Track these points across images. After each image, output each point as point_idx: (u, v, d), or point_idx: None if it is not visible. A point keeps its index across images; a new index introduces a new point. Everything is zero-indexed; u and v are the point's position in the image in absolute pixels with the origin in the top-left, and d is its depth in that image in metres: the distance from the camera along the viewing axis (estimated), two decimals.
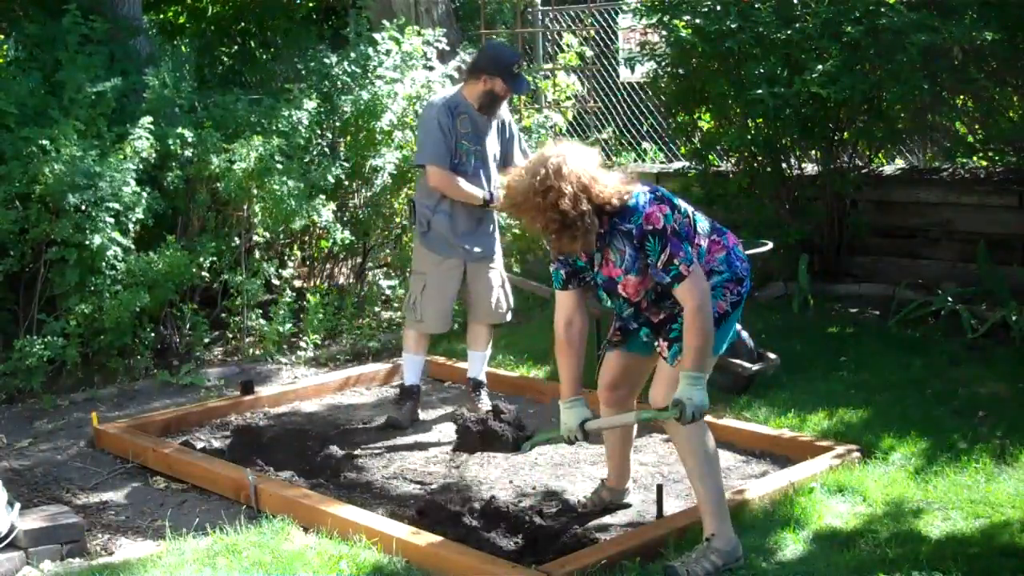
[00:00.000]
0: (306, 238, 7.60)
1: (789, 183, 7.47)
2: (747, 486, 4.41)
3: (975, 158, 7.28)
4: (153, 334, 6.43)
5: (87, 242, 5.92)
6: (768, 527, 4.03)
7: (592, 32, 9.39)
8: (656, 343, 3.90)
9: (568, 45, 8.84)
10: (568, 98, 8.68)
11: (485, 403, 5.57)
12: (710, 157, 7.72)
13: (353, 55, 7.45)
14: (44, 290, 6.15)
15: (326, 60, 7.47)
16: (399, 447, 5.24)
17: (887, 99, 6.71)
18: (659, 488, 4.24)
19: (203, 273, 6.64)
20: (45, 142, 5.98)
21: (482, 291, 5.55)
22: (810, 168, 7.59)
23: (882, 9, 6.39)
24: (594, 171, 3.68)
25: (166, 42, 8.46)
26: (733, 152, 7.54)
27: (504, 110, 5.56)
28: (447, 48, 7.99)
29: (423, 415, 5.68)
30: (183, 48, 7.45)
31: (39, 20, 7.05)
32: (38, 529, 4.01)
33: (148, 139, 6.27)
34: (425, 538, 3.94)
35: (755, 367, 5.51)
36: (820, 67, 6.36)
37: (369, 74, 7.38)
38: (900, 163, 8.04)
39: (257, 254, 7.06)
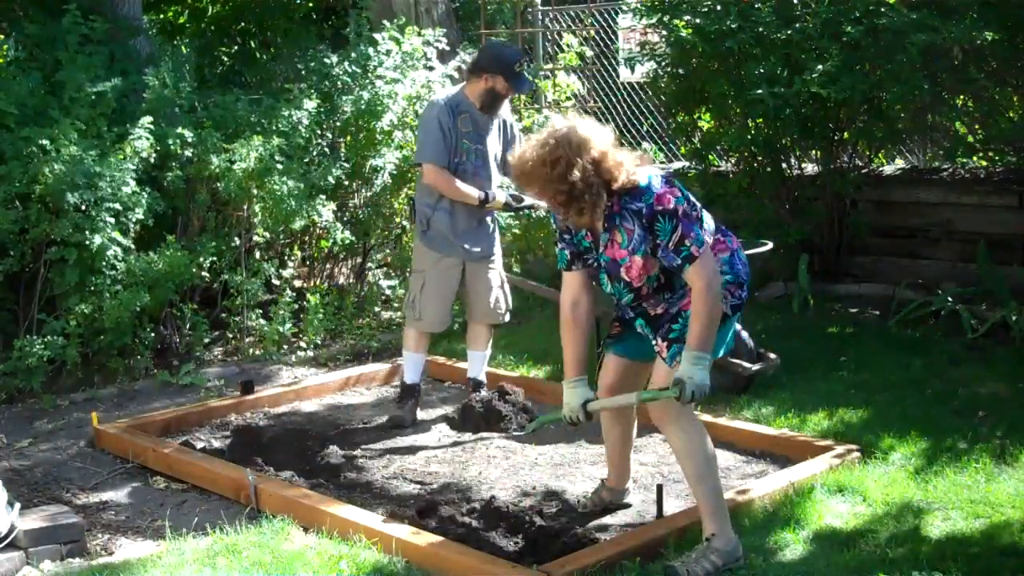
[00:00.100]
0: (306, 238, 7.60)
1: (789, 183, 7.47)
2: (747, 486, 4.41)
3: (975, 158, 7.29)
4: (153, 334, 6.43)
5: (87, 242, 5.92)
6: (768, 527, 4.03)
7: (592, 32, 9.39)
8: (655, 342, 3.88)
9: (568, 45, 8.84)
10: (568, 98, 8.68)
11: None
12: (710, 157, 7.72)
13: (353, 55, 7.45)
14: (44, 290, 6.15)
15: (326, 60, 7.47)
16: (399, 447, 5.24)
17: (887, 99, 6.71)
18: (659, 488, 4.24)
19: (203, 273, 6.64)
20: (45, 142, 5.98)
21: (481, 291, 5.55)
22: (810, 168, 7.59)
23: (882, 9, 6.40)
24: (605, 146, 3.66)
25: (166, 42, 8.46)
26: (733, 152, 7.55)
27: (506, 110, 5.56)
28: (447, 48, 7.99)
29: (423, 415, 5.68)
30: (183, 48, 7.45)
31: (39, 20, 7.05)
32: (38, 529, 4.01)
33: (148, 139, 6.27)
34: (425, 538, 3.94)
35: (755, 367, 5.51)
36: (820, 67, 6.36)
37: (369, 74, 7.39)
38: (900, 163, 8.05)
39: (257, 254, 7.07)
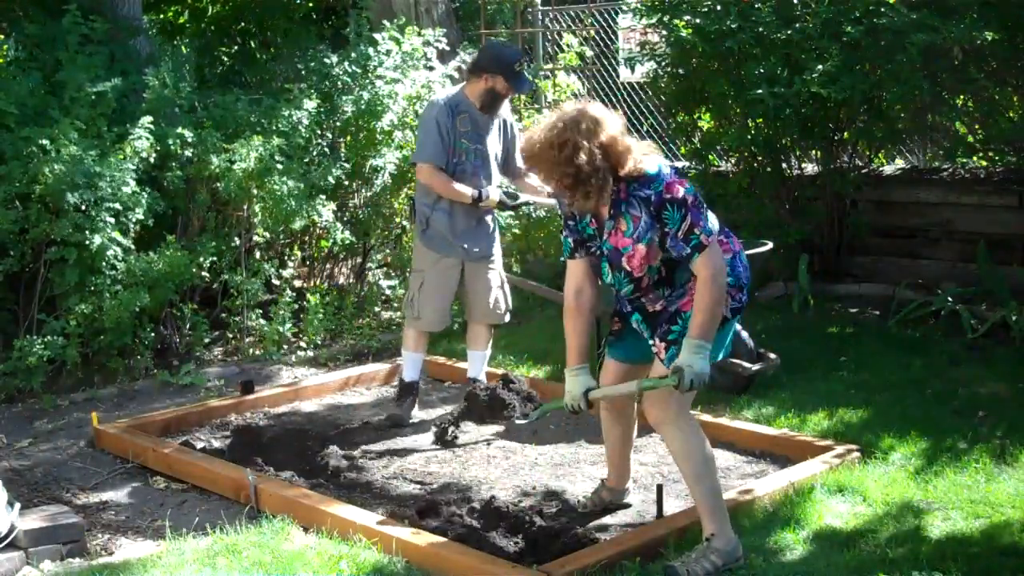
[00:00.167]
0: (306, 238, 7.60)
1: (789, 183, 7.47)
2: (747, 486, 4.41)
3: (975, 158, 7.29)
4: (153, 334, 6.43)
5: (87, 242, 5.92)
6: (768, 527, 4.03)
7: (592, 32, 9.39)
8: (652, 342, 3.87)
9: (568, 45, 8.84)
10: (568, 98, 8.68)
11: None
12: (710, 157, 7.72)
13: (353, 55, 7.45)
14: (44, 290, 6.15)
15: (326, 60, 7.47)
16: (399, 447, 5.24)
17: (887, 99, 6.71)
18: (659, 488, 4.24)
19: (203, 273, 6.64)
20: (45, 142, 5.98)
21: (480, 291, 5.55)
22: (810, 168, 7.59)
23: (882, 9, 6.40)
24: (614, 131, 3.66)
25: (166, 42, 8.46)
26: (733, 152, 7.55)
27: (506, 111, 5.56)
28: (447, 48, 8.00)
29: (423, 415, 5.68)
30: (183, 48, 7.45)
31: (39, 20, 7.05)
32: (38, 529, 4.01)
33: (148, 139, 6.27)
34: (425, 538, 3.94)
35: (755, 367, 5.51)
36: (820, 67, 6.36)
37: (369, 74, 7.38)
38: (900, 163, 8.04)
39: (257, 254, 7.06)
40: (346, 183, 7.47)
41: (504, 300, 5.63)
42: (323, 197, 6.95)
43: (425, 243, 5.49)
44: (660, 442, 5.04)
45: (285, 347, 6.81)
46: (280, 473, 4.71)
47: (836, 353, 6.18)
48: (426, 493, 4.63)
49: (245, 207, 6.75)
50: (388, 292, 7.61)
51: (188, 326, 6.66)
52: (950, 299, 6.60)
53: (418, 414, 5.70)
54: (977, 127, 7.10)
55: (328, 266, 8.01)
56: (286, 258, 7.32)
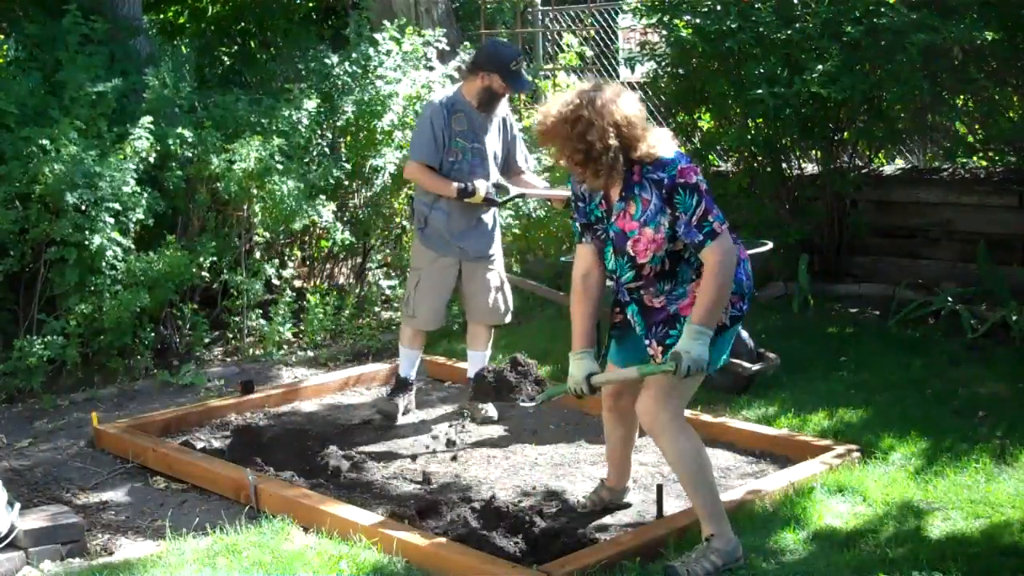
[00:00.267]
0: (306, 238, 7.60)
1: (789, 183, 7.47)
2: (747, 486, 4.41)
3: (975, 158, 7.29)
4: (153, 334, 6.43)
5: (87, 242, 5.92)
6: (768, 527, 4.02)
7: (592, 32, 9.40)
8: (648, 343, 3.85)
9: (568, 45, 8.85)
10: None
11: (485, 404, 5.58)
12: (710, 157, 7.72)
13: (354, 55, 7.45)
14: (44, 290, 6.15)
15: (327, 60, 7.47)
16: (399, 447, 5.24)
17: (887, 99, 6.71)
18: (659, 488, 4.24)
19: (203, 273, 6.64)
20: (45, 142, 5.98)
21: (477, 291, 5.55)
22: (810, 168, 7.59)
23: (882, 9, 6.40)
24: (629, 112, 3.64)
25: (166, 42, 8.46)
26: (733, 152, 7.55)
27: (506, 110, 5.55)
28: (447, 48, 8.00)
29: (423, 415, 5.69)
30: (183, 48, 7.45)
31: (39, 20, 7.05)
32: (38, 529, 4.00)
33: (148, 139, 6.27)
34: (425, 538, 3.94)
35: (755, 367, 5.51)
36: (820, 67, 6.36)
37: (370, 74, 7.38)
38: (900, 163, 8.05)
39: (257, 254, 7.06)
40: (346, 183, 7.47)
41: (504, 301, 5.62)
42: (323, 197, 6.96)
43: (423, 242, 5.49)
44: None
45: (285, 347, 6.81)
46: (280, 473, 4.71)
47: (836, 353, 6.18)
48: (426, 493, 4.63)
49: (245, 207, 6.75)
50: (388, 292, 7.61)
51: (188, 326, 6.66)
52: (950, 299, 6.60)
53: (418, 414, 5.70)
54: (977, 127, 7.11)
55: (328, 266, 8.01)
56: (286, 258, 7.32)
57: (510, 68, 5.29)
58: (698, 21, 6.79)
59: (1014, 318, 6.19)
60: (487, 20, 9.78)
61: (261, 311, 6.87)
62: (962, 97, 6.94)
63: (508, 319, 5.71)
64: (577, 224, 3.94)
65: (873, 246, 7.49)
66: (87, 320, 6.07)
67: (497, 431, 5.42)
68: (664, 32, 7.19)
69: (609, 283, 4.01)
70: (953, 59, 6.53)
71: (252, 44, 9.92)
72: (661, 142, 3.70)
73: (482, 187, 5.32)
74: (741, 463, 4.87)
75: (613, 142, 3.60)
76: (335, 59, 7.46)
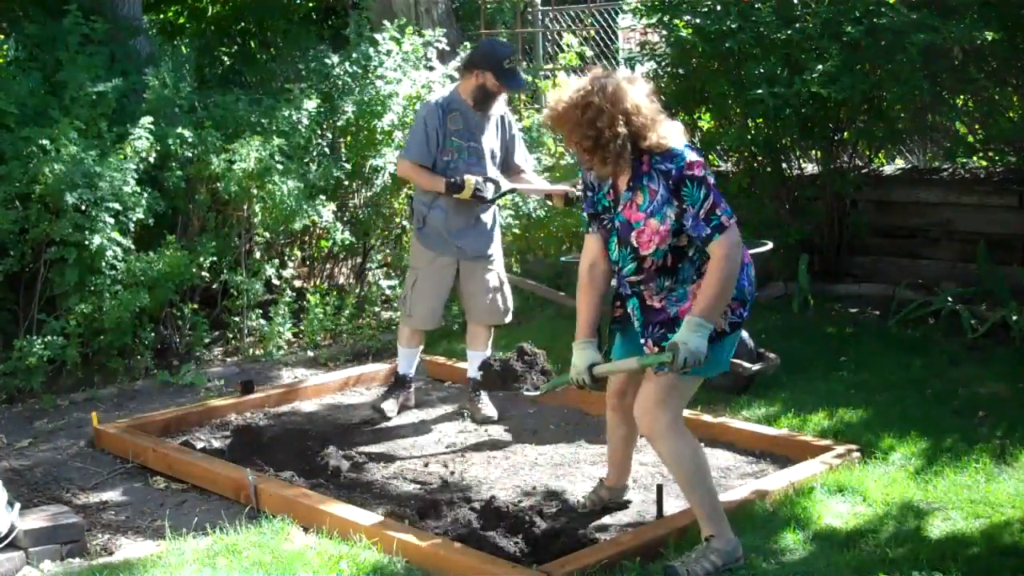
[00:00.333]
0: (306, 238, 7.60)
1: (789, 183, 7.47)
2: (747, 486, 4.41)
3: (975, 158, 7.29)
4: (153, 334, 6.43)
5: (87, 242, 5.92)
6: (768, 527, 4.02)
7: (592, 32, 9.40)
8: (644, 342, 3.84)
9: (568, 45, 8.85)
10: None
11: (485, 404, 5.58)
12: (710, 157, 7.72)
13: (354, 55, 7.45)
14: (44, 290, 6.15)
15: (327, 60, 7.47)
16: (399, 447, 5.24)
17: (887, 99, 6.71)
18: (659, 488, 4.24)
19: (203, 273, 6.64)
20: (45, 142, 5.98)
21: (475, 291, 5.54)
22: (810, 168, 7.59)
23: (882, 9, 6.40)
24: (641, 101, 3.64)
25: (166, 42, 8.46)
26: (733, 152, 7.55)
27: (504, 109, 5.53)
28: (447, 48, 8.00)
29: (423, 415, 5.69)
30: (183, 48, 7.45)
31: (39, 20, 7.05)
32: (38, 529, 4.00)
33: (148, 139, 6.27)
34: (425, 538, 3.94)
35: (755, 367, 5.51)
36: (820, 67, 6.36)
37: (370, 74, 7.38)
38: (900, 163, 8.05)
39: (257, 254, 7.06)
40: (346, 183, 7.47)
41: (503, 301, 5.61)
42: (323, 197, 6.96)
43: (421, 241, 5.49)
44: None
45: (285, 347, 6.81)
46: (280, 473, 4.71)
47: (836, 353, 6.18)
48: (426, 493, 4.63)
49: (245, 207, 6.75)
50: (388, 292, 7.61)
51: (188, 326, 6.65)
52: (950, 299, 6.60)
53: (418, 414, 5.71)
54: (977, 127, 7.11)
55: (328, 266, 8.01)
56: (286, 258, 7.32)
57: (503, 66, 5.26)
58: (698, 21, 6.79)
59: (1014, 318, 6.19)
60: (487, 20, 9.79)
61: (261, 311, 6.87)
62: (962, 97, 6.95)
63: (508, 319, 5.70)
64: (585, 214, 3.93)
65: (873, 246, 7.49)
66: (87, 320, 6.07)
67: (497, 431, 5.42)
68: (664, 32, 7.20)
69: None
70: (953, 59, 6.53)
71: (252, 44, 9.92)
72: (672, 134, 3.69)
73: (471, 181, 5.28)
74: (741, 463, 4.87)
75: (622, 130, 3.59)
76: (335, 59, 7.46)
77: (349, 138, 7.52)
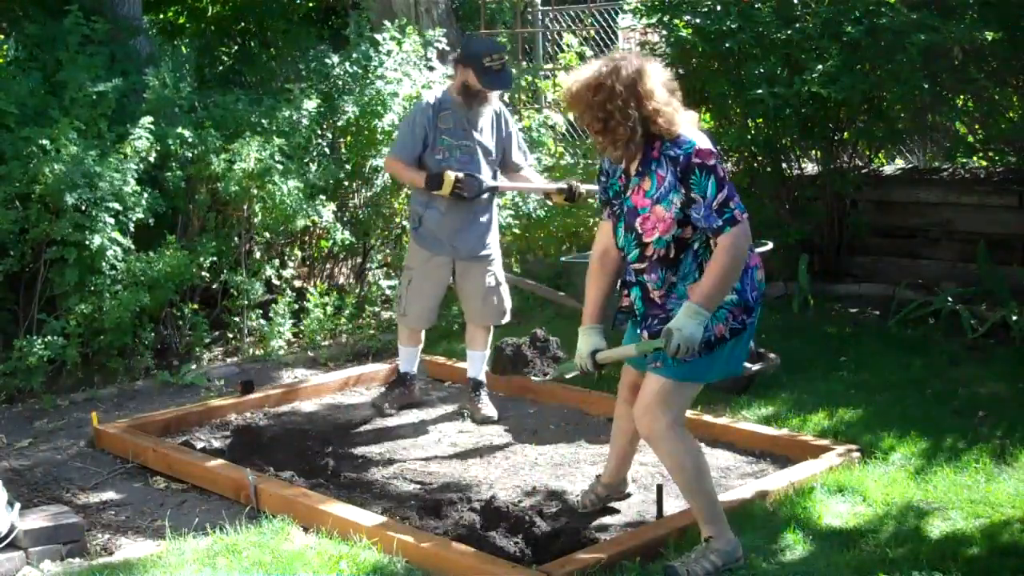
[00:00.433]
0: (306, 238, 7.60)
1: (789, 183, 7.47)
2: (747, 486, 4.41)
3: (975, 158, 7.29)
4: (153, 334, 6.43)
5: (87, 242, 5.92)
6: (768, 527, 4.02)
7: (592, 32, 9.40)
8: (640, 332, 3.82)
9: (568, 45, 8.85)
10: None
11: (485, 404, 5.58)
12: None
13: (354, 55, 7.45)
14: (44, 290, 6.15)
15: (327, 60, 7.47)
16: (399, 447, 5.24)
17: (887, 99, 6.71)
18: (659, 488, 4.24)
19: (203, 273, 6.64)
20: (45, 142, 5.98)
21: (470, 292, 5.54)
22: (810, 168, 7.59)
23: (882, 9, 6.40)
24: (654, 86, 3.61)
25: (166, 42, 8.46)
26: (733, 152, 7.55)
27: (499, 106, 5.47)
28: (447, 48, 7.99)
29: (423, 415, 5.69)
30: (183, 48, 7.45)
31: (39, 20, 7.05)
32: (38, 529, 4.00)
33: (148, 139, 6.27)
34: (425, 538, 3.94)
35: (755, 367, 5.51)
36: (820, 67, 6.36)
37: (370, 74, 7.38)
38: (900, 163, 8.05)
39: (257, 254, 7.06)
40: (346, 183, 7.47)
41: (499, 302, 5.57)
42: (323, 197, 6.96)
43: (417, 241, 5.50)
44: None
45: (285, 347, 6.81)
46: (280, 473, 4.71)
47: (836, 353, 6.18)
48: (426, 493, 4.63)
49: (245, 207, 6.75)
50: (388, 292, 7.61)
51: (188, 326, 6.65)
52: (950, 299, 6.60)
53: (418, 414, 5.71)
54: (977, 127, 7.11)
55: (328, 266, 8.01)
56: (286, 258, 7.32)
57: (483, 63, 5.19)
58: (698, 21, 6.79)
59: (1014, 318, 6.19)
60: (487, 20, 9.79)
61: (261, 311, 6.87)
62: (962, 97, 6.94)
63: (505, 320, 5.67)
64: (600, 199, 3.92)
65: (873, 246, 7.49)
66: (87, 320, 6.07)
67: (497, 431, 5.42)
68: (664, 32, 7.20)
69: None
70: (953, 59, 6.53)
71: (252, 44, 9.92)
72: (684, 122, 3.66)
73: (450, 177, 5.21)
74: (741, 463, 4.87)
75: (633, 112, 3.57)
76: (335, 59, 7.46)
77: (349, 138, 7.52)
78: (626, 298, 3.94)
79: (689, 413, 4.65)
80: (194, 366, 6.42)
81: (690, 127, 3.68)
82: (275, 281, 7.04)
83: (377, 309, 7.47)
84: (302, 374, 6.49)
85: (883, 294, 7.11)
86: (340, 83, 7.39)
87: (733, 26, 6.59)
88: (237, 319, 6.84)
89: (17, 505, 4.06)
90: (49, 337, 5.89)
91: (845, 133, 7.29)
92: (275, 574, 3.76)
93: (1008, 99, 6.94)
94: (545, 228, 7.72)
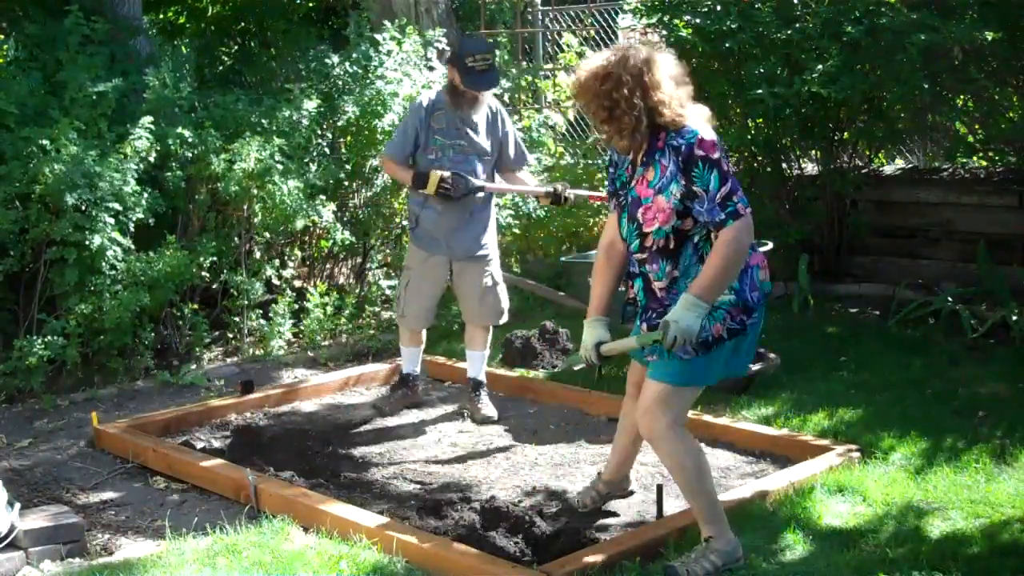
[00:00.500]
0: (306, 238, 7.61)
1: (789, 183, 7.47)
2: (747, 486, 4.41)
3: (975, 158, 7.29)
4: (153, 334, 6.43)
5: (87, 242, 5.92)
6: (768, 527, 4.02)
7: (592, 32, 9.39)
8: (640, 324, 3.82)
9: (568, 45, 8.85)
10: (568, 98, 8.68)
11: (485, 404, 5.58)
12: None
13: (354, 55, 7.45)
14: (44, 290, 6.15)
15: (327, 60, 7.47)
16: (399, 447, 5.24)
17: (887, 99, 6.71)
18: (659, 488, 4.24)
19: (203, 273, 6.64)
20: (45, 142, 5.98)
21: (467, 292, 5.53)
22: (810, 168, 7.59)
23: (882, 9, 6.40)
24: (661, 76, 3.61)
25: (166, 42, 8.45)
26: (733, 152, 7.54)
27: (495, 105, 5.46)
28: (447, 48, 7.99)
29: (423, 415, 5.69)
30: (183, 48, 7.45)
31: (39, 20, 7.05)
32: (38, 529, 4.00)
33: (148, 139, 6.27)
34: (425, 538, 3.94)
35: (755, 367, 5.51)
36: (820, 67, 6.36)
37: (370, 74, 7.38)
38: (900, 163, 8.05)
39: (257, 254, 7.06)
40: (346, 183, 7.47)
41: (495, 302, 5.55)
42: (323, 197, 6.96)
43: (414, 241, 5.50)
44: None
45: (285, 347, 6.81)
46: (280, 473, 4.71)
47: (836, 353, 6.18)
48: (426, 493, 4.63)
49: (245, 207, 6.75)
50: (388, 292, 7.61)
51: (188, 326, 6.65)
52: (950, 299, 6.60)
53: (418, 414, 5.71)
54: (977, 127, 7.11)
55: (328, 266, 8.01)
56: (286, 258, 7.32)
57: (466, 64, 5.19)
58: (698, 21, 6.79)
59: (1014, 318, 6.19)
60: (487, 20, 9.79)
61: (261, 311, 6.87)
62: (962, 97, 6.94)
63: (502, 320, 5.65)
64: (607, 191, 3.93)
65: (873, 246, 7.49)
66: (87, 320, 6.07)
67: (497, 431, 5.42)
68: (664, 32, 7.19)
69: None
70: (953, 59, 6.53)
71: (252, 44, 9.92)
72: (692, 115, 3.65)
73: (435, 175, 5.19)
74: (741, 463, 4.87)
75: (639, 102, 3.56)
76: (335, 59, 7.46)
77: (349, 138, 7.52)
78: (631, 290, 3.92)
79: (689, 413, 4.64)
80: (194, 366, 6.42)
81: (698, 120, 3.66)
82: (275, 281, 7.04)
83: (377, 309, 7.47)
84: (302, 374, 6.49)
85: (883, 294, 7.11)
86: (340, 83, 7.40)
87: (733, 26, 6.59)
88: (237, 319, 6.84)
89: (17, 505, 4.06)
90: (49, 337, 5.89)
91: (845, 133, 7.29)
92: (275, 574, 3.76)
93: (1008, 99, 6.94)
94: (545, 228, 7.72)
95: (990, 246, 6.80)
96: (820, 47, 6.47)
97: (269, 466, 4.77)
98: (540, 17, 9.54)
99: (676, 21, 6.97)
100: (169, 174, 6.51)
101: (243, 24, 10.12)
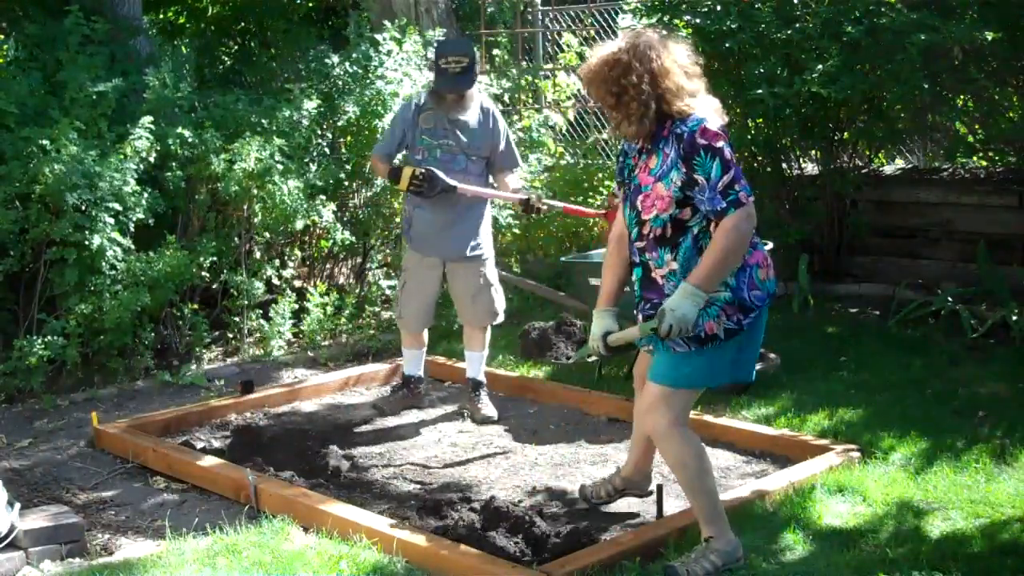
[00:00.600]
0: (306, 238, 7.61)
1: (789, 183, 7.47)
2: (747, 486, 4.41)
3: (975, 158, 7.29)
4: (153, 334, 6.43)
5: (87, 242, 5.92)
6: (768, 527, 4.02)
7: (592, 32, 9.39)
8: (637, 313, 3.81)
9: (568, 45, 8.84)
10: (568, 98, 8.69)
11: (485, 403, 5.58)
12: None
13: (354, 55, 7.45)
14: (44, 290, 6.15)
15: (327, 60, 7.47)
16: (399, 447, 5.24)
17: (887, 99, 6.71)
18: (659, 488, 4.24)
19: (203, 273, 6.64)
20: (45, 142, 5.98)
21: (460, 292, 5.54)
22: (810, 168, 7.59)
23: (882, 9, 6.40)
24: (671, 65, 3.61)
25: (166, 42, 8.45)
26: (733, 152, 7.55)
27: (491, 106, 5.47)
28: None
29: (423, 415, 5.69)
30: (183, 48, 7.45)
31: (39, 20, 7.05)
32: (38, 529, 4.00)
33: (148, 139, 6.27)
34: (425, 538, 3.94)
35: (755, 367, 5.50)
36: (820, 67, 6.36)
37: (370, 74, 7.38)
38: (900, 163, 8.05)
39: (257, 254, 7.06)
40: (346, 183, 7.47)
41: (488, 303, 5.54)
42: (323, 197, 6.96)
43: (409, 243, 5.52)
44: None
45: (285, 347, 6.81)
46: (280, 473, 4.71)
47: (836, 353, 6.18)
48: (426, 493, 4.63)
49: (245, 207, 6.75)
50: (388, 292, 7.61)
51: (188, 326, 6.65)
52: (950, 299, 6.60)
53: (418, 414, 5.71)
54: (977, 127, 7.11)
55: (328, 266, 8.01)
56: (286, 258, 7.32)
57: (439, 64, 5.24)
58: (698, 21, 6.79)
59: (1014, 318, 6.19)
60: (487, 20, 9.79)
61: (261, 311, 6.87)
62: (962, 97, 6.94)
63: (497, 320, 5.64)
64: (616, 180, 3.92)
65: (873, 246, 7.49)
66: (87, 320, 6.07)
67: (497, 431, 5.42)
68: (664, 32, 7.18)
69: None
70: (953, 59, 6.53)
71: (252, 44, 9.92)
72: (701, 106, 3.64)
73: (407, 172, 5.19)
74: (741, 463, 4.87)
75: (646, 88, 3.56)
76: (335, 59, 7.46)
77: (349, 138, 7.52)
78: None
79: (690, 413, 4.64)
80: (194, 366, 6.42)
81: (707, 110, 3.65)
82: (275, 281, 7.04)
83: (377, 309, 7.47)
84: (302, 374, 6.49)
85: (883, 294, 7.11)
86: (340, 83, 7.40)
87: (733, 26, 6.60)
88: (237, 319, 6.84)
89: (17, 505, 4.06)
90: (49, 337, 5.89)
91: (845, 133, 7.29)
92: (275, 574, 3.76)
93: (1008, 99, 6.94)
94: (545, 228, 7.72)
95: (990, 246, 6.80)
96: (820, 47, 6.47)
97: (269, 466, 4.77)
98: (540, 17, 9.54)
99: (676, 21, 6.97)
100: (169, 174, 6.51)
101: (243, 24, 10.12)
